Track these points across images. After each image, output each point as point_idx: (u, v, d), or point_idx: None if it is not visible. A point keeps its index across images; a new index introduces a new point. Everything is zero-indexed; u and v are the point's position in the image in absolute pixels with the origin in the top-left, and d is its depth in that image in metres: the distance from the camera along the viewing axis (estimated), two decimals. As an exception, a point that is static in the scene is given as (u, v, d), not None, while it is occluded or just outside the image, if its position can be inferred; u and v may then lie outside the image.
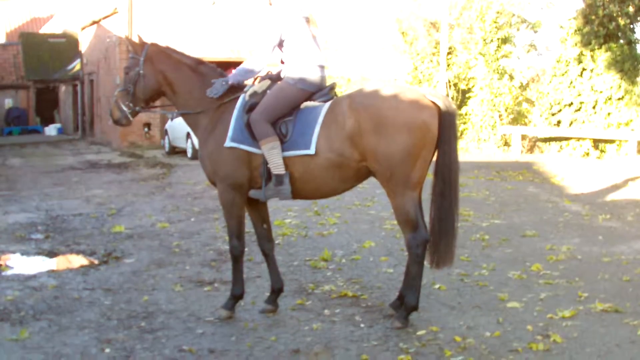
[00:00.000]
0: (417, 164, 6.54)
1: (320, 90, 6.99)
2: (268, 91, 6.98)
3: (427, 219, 6.88)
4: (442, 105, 6.65)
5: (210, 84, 7.20)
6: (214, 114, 7.16)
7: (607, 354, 6.15)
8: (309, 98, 6.94)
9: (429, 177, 6.81)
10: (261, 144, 6.73)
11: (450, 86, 29.78)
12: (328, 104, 6.86)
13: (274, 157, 6.71)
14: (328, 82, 7.20)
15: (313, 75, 6.95)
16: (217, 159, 7.03)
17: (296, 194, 7.04)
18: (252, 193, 7.06)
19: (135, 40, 7.47)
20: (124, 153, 28.70)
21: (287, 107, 6.85)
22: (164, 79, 7.33)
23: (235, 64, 7.34)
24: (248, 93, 7.03)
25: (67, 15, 52.96)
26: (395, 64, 32.60)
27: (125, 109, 7.38)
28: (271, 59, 7.12)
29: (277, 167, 6.74)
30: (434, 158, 6.83)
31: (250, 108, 6.92)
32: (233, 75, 7.20)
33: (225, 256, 9.72)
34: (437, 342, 6.39)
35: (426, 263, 6.86)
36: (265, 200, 7.20)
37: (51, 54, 47.43)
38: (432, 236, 6.82)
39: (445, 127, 6.66)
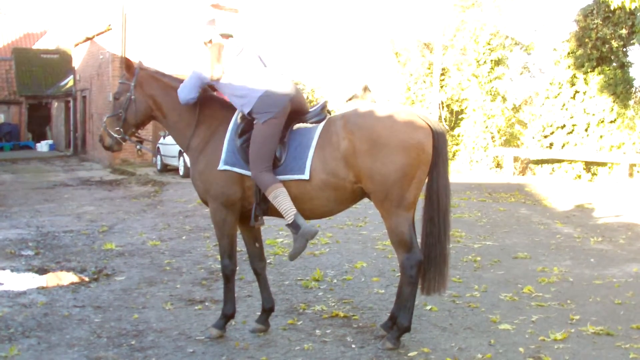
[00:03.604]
0: (412, 184, 6.51)
1: (295, 99, 6.91)
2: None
3: (419, 239, 6.86)
4: (433, 128, 6.65)
5: (199, 105, 7.22)
6: (205, 133, 7.15)
7: (599, 377, 6.14)
8: (296, 115, 6.90)
9: (422, 198, 6.80)
10: (267, 194, 6.68)
11: (443, 107, 29.89)
12: (321, 124, 6.82)
13: (282, 203, 6.65)
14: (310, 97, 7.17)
15: (270, 99, 6.83)
16: (209, 178, 7.01)
17: None
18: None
19: (135, 57, 7.46)
20: (115, 170, 28.68)
21: (275, 139, 6.77)
22: (154, 103, 7.34)
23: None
24: (239, 116, 7.02)
25: (60, 31, 53.01)
26: (389, 85, 32.68)
27: (115, 135, 7.37)
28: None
29: (287, 211, 6.66)
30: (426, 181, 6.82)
31: (242, 132, 6.91)
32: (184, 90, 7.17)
33: (216, 275, 9.69)
34: (428, 364, 6.37)
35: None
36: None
37: (44, 69, 47.45)
38: (424, 262, 6.79)
39: (435, 151, 6.65)
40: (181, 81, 7.40)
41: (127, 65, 7.41)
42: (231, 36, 7.20)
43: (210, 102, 7.28)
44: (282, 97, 6.81)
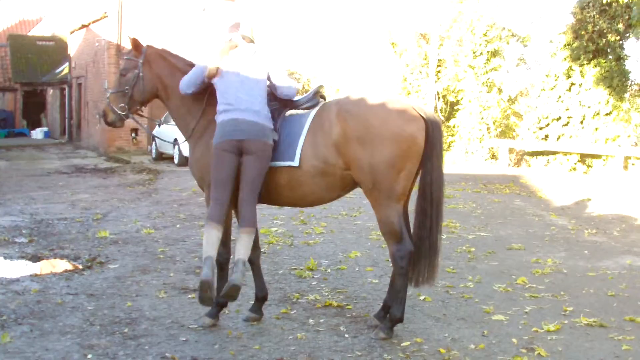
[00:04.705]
0: (401, 176, 6.50)
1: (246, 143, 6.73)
2: None
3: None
4: (428, 120, 6.62)
5: (202, 93, 7.21)
6: (204, 121, 7.13)
7: (591, 368, 6.15)
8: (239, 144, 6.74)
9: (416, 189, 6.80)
10: (205, 224, 6.70)
11: (438, 98, 29.90)
12: (314, 110, 6.82)
13: (205, 241, 6.65)
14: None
15: (223, 129, 6.78)
16: (205, 166, 7.00)
17: (283, 202, 7.03)
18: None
19: (129, 43, 7.41)
20: (110, 158, 28.61)
21: (219, 169, 6.73)
22: (161, 83, 7.31)
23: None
24: None
25: (56, 18, 52.86)
26: (385, 75, 32.67)
27: (120, 111, 7.35)
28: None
29: (204, 251, 6.66)
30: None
31: None
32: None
33: (210, 263, 9.67)
34: (421, 354, 6.37)
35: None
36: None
37: (39, 56, 47.27)
38: (415, 254, 6.78)
39: (429, 143, 6.63)
40: (187, 62, 7.38)
41: (134, 44, 7.36)
42: (252, 41, 7.14)
43: (211, 90, 7.24)
44: (230, 134, 6.73)
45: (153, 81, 7.32)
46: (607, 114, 24.84)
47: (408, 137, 6.48)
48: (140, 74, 7.27)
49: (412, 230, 6.85)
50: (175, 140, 24.28)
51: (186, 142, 7.39)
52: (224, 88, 6.86)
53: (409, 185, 6.68)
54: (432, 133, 6.63)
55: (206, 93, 7.19)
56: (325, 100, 7.05)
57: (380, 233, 11.42)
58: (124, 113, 7.37)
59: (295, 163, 6.65)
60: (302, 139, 6.66)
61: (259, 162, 6.74)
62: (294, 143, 6.68)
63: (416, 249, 6.76)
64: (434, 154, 6.69)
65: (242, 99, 6.76)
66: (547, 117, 26.23)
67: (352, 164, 6.53)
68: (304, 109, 6.91)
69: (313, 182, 6.71)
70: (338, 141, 6.53)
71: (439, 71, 30.03)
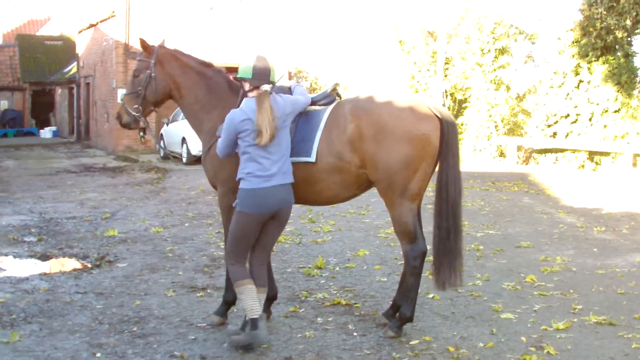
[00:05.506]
0: (416, 176, 6.48)
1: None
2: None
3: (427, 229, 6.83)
4: (443, 119, 6.60)
5: (215, 87, 7.18)
6: (217, 118, 7.10)
7: (601, 367, 6.14)
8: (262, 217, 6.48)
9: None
10: (234, 286, 6.47)
11: (446, 96, 29.87)
12: (330, 107, 6.80)
13: (244, 302, 6.39)
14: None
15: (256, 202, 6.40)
16: (219, 162, 6.96)
17: (299, 199, 6.98)
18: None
19: (138, 43, 7.37)
20: (118, 157, 28.64)
21: (248, 233, 6.44)
22: (174, 82, 7.28)
23: (232, 69, 7.13)
24: None
25: (64, 18, 52.91)
26: (393, 73, 32.64)
27: (133, 112, 7.31)
28: None
29: (250, 310, 6.36)
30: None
31: None
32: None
33: (218, 262, 9.69)
34: (430, 352, 6.37)
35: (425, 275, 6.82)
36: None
37: (48, 56, 47.28)
38: (436, 256, 6.76)
39: (444, 142, 6.61)
40: (199, 61, 7.35)
41: (143, 46, 7.32)
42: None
43: (224, 87, 7.22)
44: (268, 206, 6.41)
45: (165, 81, 7.27)
46: (615, 111, 24.77)
47: (422, 137, 6.47)
48: (153, 74, 7.24)
49: (433, 232, 6.80)
50: (183, 139, 24.30)
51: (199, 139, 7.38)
52: (255, 149, 6.38)
53: (424, 185, 6.66)
54: (448, 133, 6.61)
55: (219, 89, 7.19)
56: (340, 98, 7.02)
57: (388, 231, 11.50)
58: (138, 114, 7.32)
59: (312, 159, 6.63)
60: (318, 134, 6.65)
61: (283, 227, 6.71)
62: (311, 139, 6.66)
63: (439, 251, 6.74)
64: (450, 154, 6.66)
65: (273, 159, 6.38)
66: (555, 115, 26.16)
67: (367, 162, 6.52)
68: (320, 105, 6.89)
69: (329, 179, 6.69)
70: (352, 138, 6.52)
71: (446, 69, 29.99)
